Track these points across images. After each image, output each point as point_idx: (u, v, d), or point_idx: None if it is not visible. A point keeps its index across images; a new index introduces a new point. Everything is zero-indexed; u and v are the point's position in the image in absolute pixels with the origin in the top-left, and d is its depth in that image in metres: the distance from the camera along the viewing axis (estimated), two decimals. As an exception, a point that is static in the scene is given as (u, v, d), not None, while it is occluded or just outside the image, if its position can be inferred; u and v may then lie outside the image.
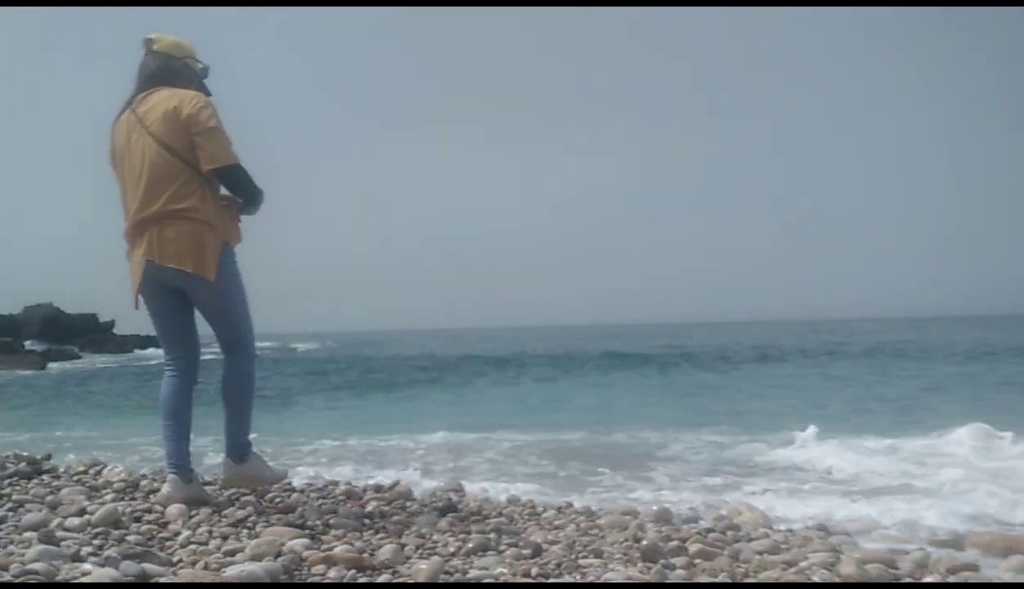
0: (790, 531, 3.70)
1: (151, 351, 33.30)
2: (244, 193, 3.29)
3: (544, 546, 3.12)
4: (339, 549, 2.80)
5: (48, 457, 4.46)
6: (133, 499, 3.48)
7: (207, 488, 3.53)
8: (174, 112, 3.13)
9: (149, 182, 3.15)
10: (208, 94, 3.35)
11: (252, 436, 3.47)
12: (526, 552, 2.97)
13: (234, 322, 3.34)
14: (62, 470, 4.22)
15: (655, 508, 4.03)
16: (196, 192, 3.15)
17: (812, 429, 7.26)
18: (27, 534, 2.76)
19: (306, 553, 2.70)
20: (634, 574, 2.71)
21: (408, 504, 3.77)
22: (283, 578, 2.50)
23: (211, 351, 3.48)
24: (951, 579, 2.88)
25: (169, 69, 3.29)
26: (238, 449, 3.36)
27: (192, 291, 3.25)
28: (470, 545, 3.01)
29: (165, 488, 3.32)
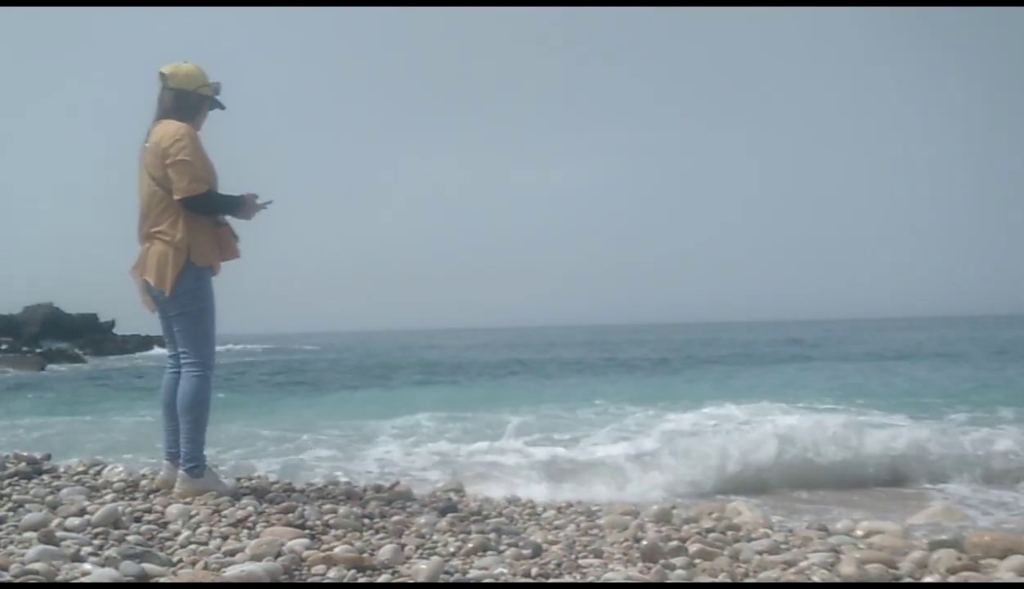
0: (790, 531, 3.70)
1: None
2: (217, 215, 3.60)
3: (544, 546, 3.12)
4: (339, 549, 2.81)
5: (48, 457, 4.47)
6: (133, 499, 3.49)
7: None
8: (157, 146, 3.49)
9: (143, 207, 3.59)
10: (222, 108, 3.67)
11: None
12: (526, 552, 2.98)
13: (186, 337, 3.57)
14: (62, 470, 4.22)
15: (655, 508, 4.02)
16: (171, 217, 3.50)
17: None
18: (27, 534, 2.76)
19: (306, 553, 2.70)
20: (634, 574, 2.71)
21: (408, 504, 3.77)
22: (283, 578, 2.50)
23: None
24: (951, 579, 2.88)
25: (182, 104, 3.56)
26: (189, 462, 3.55)
27: (159, 302, 3.60)
28: (470, 545, 3.02)
29: (162, 472, 3.75)
